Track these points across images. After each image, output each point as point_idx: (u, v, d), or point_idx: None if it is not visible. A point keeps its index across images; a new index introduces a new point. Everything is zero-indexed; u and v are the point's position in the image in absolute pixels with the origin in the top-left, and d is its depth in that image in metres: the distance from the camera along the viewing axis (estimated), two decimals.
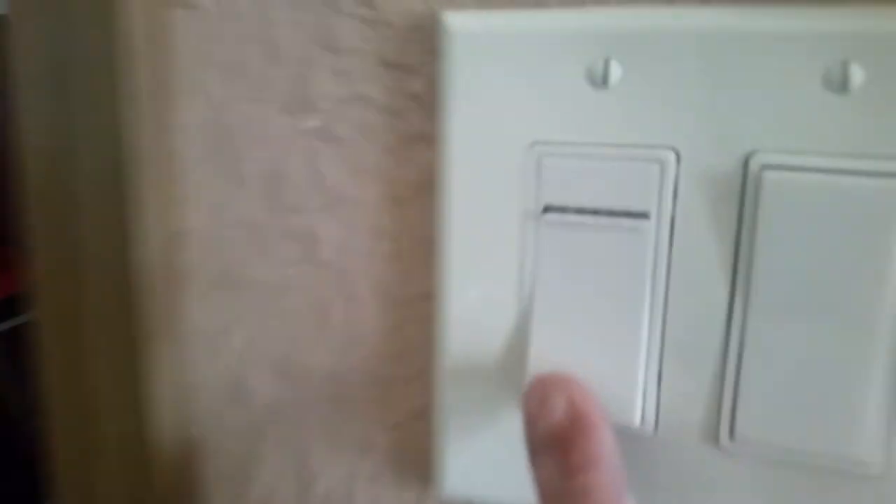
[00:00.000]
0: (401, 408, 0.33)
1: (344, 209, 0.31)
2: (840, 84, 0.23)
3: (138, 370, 0.34)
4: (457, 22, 0.26)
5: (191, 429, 0.37)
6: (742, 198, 0.24)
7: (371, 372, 0.33)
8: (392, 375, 0.33)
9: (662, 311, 0.25)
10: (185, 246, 0.34)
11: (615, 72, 0.24)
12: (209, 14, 0.31)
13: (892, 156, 0.22)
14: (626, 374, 0.25)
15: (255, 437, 0.36)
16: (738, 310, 0.24)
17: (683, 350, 0.25)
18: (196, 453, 0.37)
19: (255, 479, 0.37)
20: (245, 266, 0.34)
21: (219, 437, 0.37)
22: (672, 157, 0.24)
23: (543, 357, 0.26)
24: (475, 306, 0.28)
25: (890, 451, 0.24)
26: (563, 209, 0.25)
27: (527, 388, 0.24)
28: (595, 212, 0.25)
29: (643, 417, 0.26)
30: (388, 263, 0.31)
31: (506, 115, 0.26)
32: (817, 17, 0.22)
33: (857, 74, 0.22)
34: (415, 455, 0.33)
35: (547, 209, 0.25)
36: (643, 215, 0.24)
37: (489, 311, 0.27)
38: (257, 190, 0.33)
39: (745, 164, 0.24)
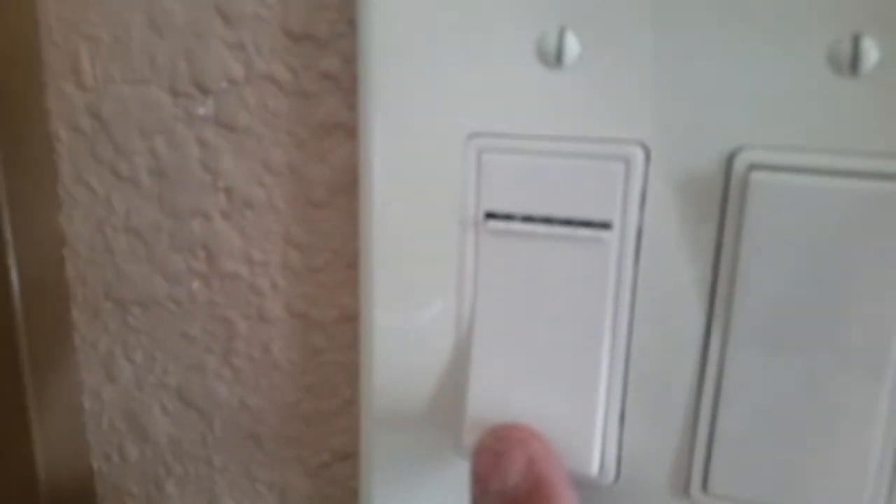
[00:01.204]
0: (323, 447, 0.30)
1: (249, 214, 0.28)
2: (849, 64, 0.19)
3: (24, 397, 0.32)
4: None
5: (87, 462, 0.34)
6: (724, 204, 0.21)
7: (287, 404, 0.30)
8: (312, 409, 0.30)
9: (626, 340, 0.23)
10: (68, 257, 0.32)
11: (571, 47, 0.22)
12: None
13: None
14: (582, 415, 0.23)
15: (158, 476, 0.33)
16: (715, 341, 0.22)
17: (650, 388, 0.23)
18: (93, 492, 0.35)
19: None
20: (137, 279, 0.31)
21: (118, 474, 0.34)
22: (640, 153, 0.22)
23: (485, 393, 0.24)
24: (406, 331, 0.25)
25: None
26: (508, 216, 0.23)
27: (480, 440, 0.23)
28: (547, 220, 0.23)
29: (602, 466, 0.24)
30: (303, 279, 0.28)
31: (439, 101, 0.23)
32: None
33: (872, 52, 0.19)
34: (341, 502, 0.30)
35: (489, 216, 0.23)
36: (604, 225, 0.22)
37: (422, 338, 0.25)
38: (146, 190, 0.29)
39: (729, 162, 0.21)
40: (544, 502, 0.21)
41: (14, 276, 0.30)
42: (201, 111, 0.27)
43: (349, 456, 0.29)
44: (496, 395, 0.24)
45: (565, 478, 0.22)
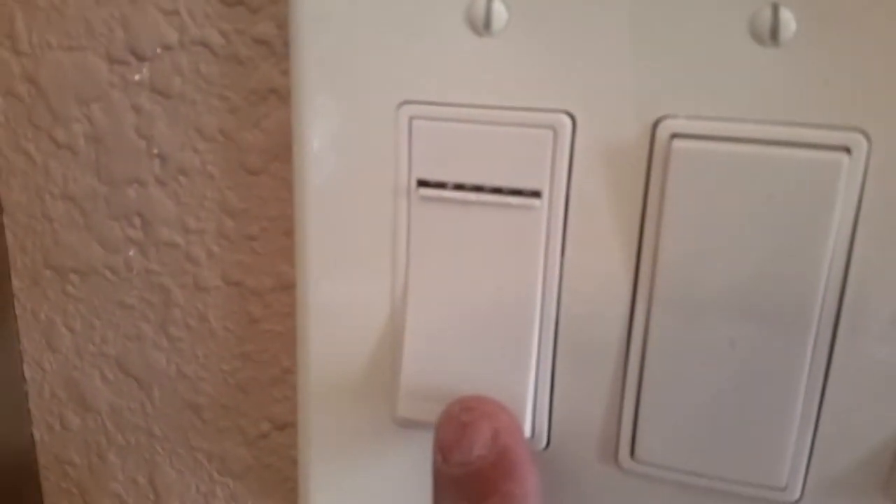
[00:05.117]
0: (262, 416, 0.30)
1: (183, 180, 0.28)
2: (770, 34, 0.19)
3: None
4: None
5: (29, 432, 0.34)
6: (648, 172, 0.21)
7: (224, 373, 0.30)
8: (250, 378, 0.29)
9: (555, 307, 0.23)
10: (7, 224, 0.31)
11: (499, 14, 0.21)
12: None
13: (829, 124, 0.20)
14: (513, 380, 0.23)
15: (99, 445, 0.33)
16: (640, 307, 0.22)
17: (579, 353, 0.23)
18: (35, 461, 0.35)
19: (98, 495, 0.34)
20: (75, 247, 0.30)
21: (60, 444, 0.34)
22: (567, 122, 0.21)
23: (419, 362, 0.24)
24: (342, 299, 0.25)
25: (809, 475, 0.22)
26: (440, 184, 0.23)
27: (447, 408, 0.22)
28: (478, 188, 0.22)
29: (534, 430, 0.24)
30: (238, 247, 0.28)
31: (371, 67, 0.23)
32: None
33: (791, 22, 0.19)
34: (280, 474, 0.30)
35: (421, 183, 0.23)
36: (534, 193, 0.22)
37: (358, 305, 0.25)
38: (83, 158, 0.29)
39: (653, 131, 0.21)
40: (507, 474, 0.20)
41: None
42: (137, 77, 0.27)
43: (288, 425, 0.29)
44: (430, 364, 0.24)
45: (529, 452, 0.21)
